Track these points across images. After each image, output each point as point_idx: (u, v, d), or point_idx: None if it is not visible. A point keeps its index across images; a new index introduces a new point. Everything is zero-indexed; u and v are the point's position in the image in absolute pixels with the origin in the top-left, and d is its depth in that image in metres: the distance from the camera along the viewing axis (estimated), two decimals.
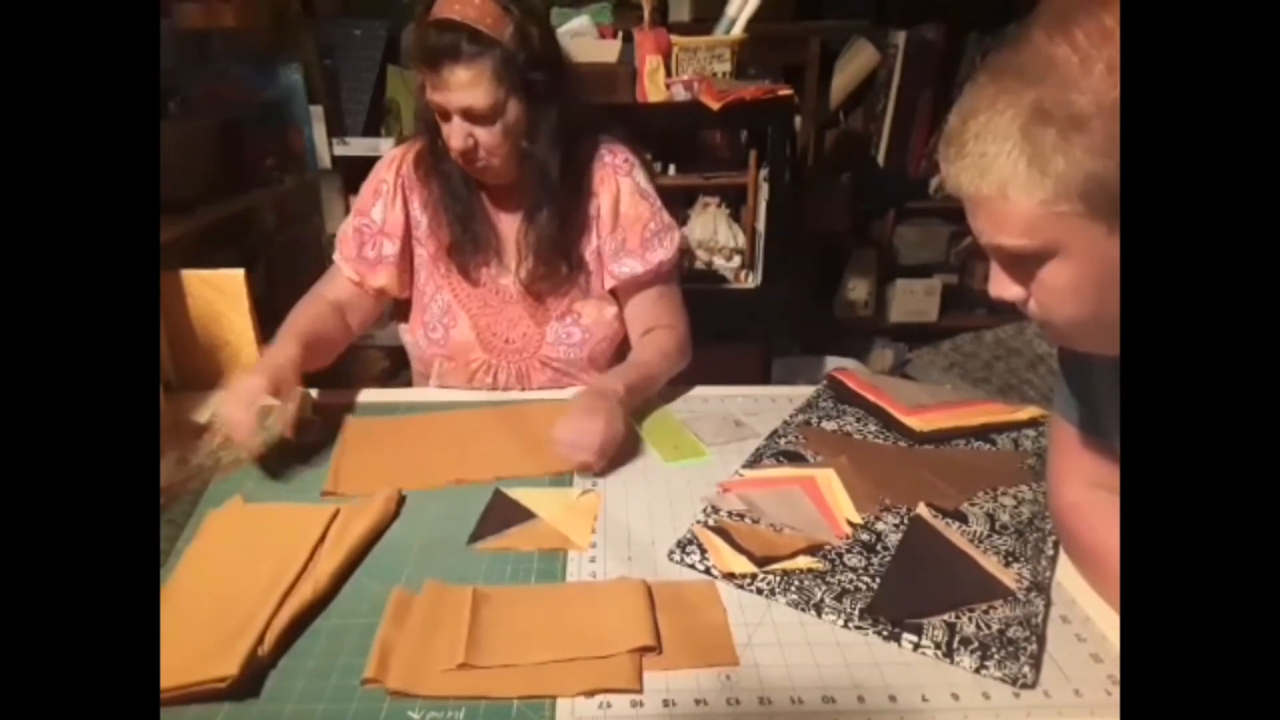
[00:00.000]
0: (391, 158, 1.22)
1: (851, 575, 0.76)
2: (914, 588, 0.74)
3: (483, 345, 1.20)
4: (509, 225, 1.19)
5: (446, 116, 1.06)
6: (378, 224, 1.19)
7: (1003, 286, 0.64)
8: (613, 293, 1.21)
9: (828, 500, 0.87)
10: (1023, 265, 0.61)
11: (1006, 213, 0.57)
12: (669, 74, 1.86)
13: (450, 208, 1.16)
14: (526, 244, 1.16)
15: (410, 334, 1.24)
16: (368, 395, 1.17)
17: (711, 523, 0.84)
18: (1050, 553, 0.80)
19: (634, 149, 1.21)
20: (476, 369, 1.21)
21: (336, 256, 1.22)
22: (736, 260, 2.08)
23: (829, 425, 1.07)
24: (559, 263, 1.16)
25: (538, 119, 1.09)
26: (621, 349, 1.25)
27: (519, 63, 1.03)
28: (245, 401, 0.91)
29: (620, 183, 1.17)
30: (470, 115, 1.05)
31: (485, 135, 1.06)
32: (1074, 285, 0.58)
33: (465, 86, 1.02)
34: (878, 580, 0.75)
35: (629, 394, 1.06)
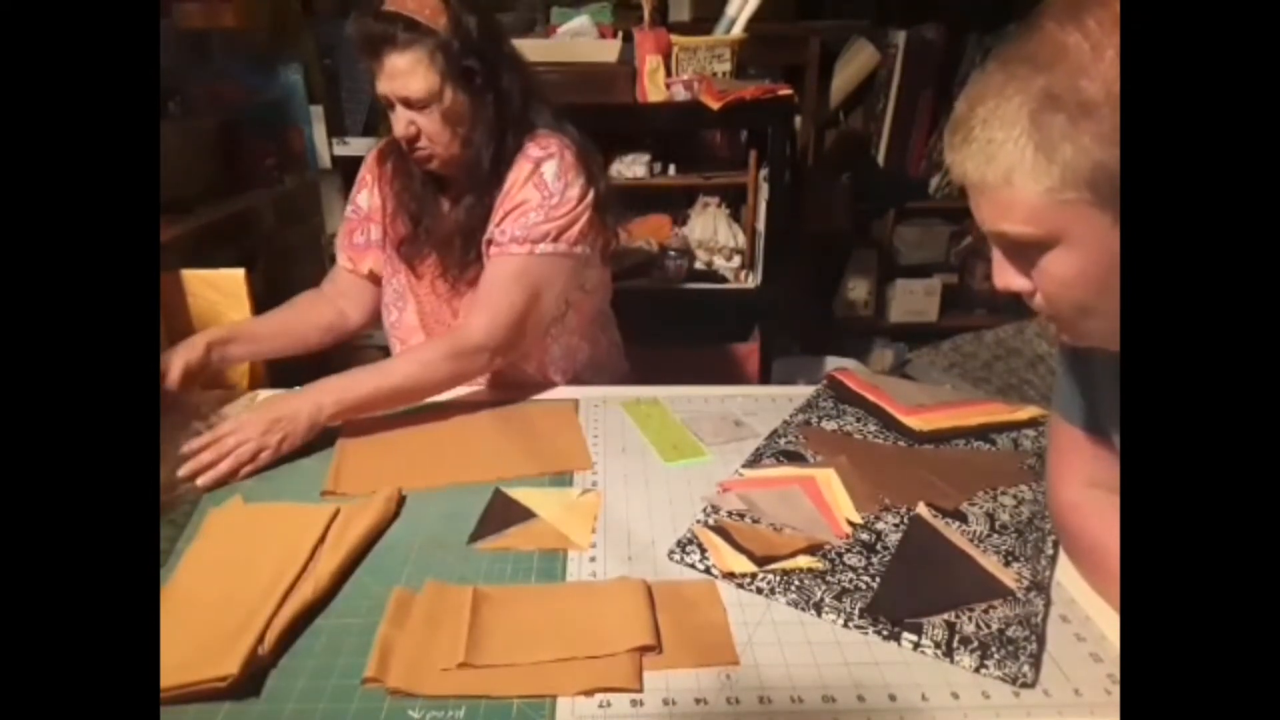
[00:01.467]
0: (375, 147, 1.26)
1: (851, 575, 0.76)
2: (914, 587, 0.74)
3: (426, 330, 1.22)
4: (445, 212, 1.21)
5: (391, 105, 1.09)
6: (364, 210, 1.25)
7: (1008, 277, 0.63)
8: None
9: (828, 500, 0.87)
10: (1026, 254, 0.60)
11: (1011, 200, 0.57)
12: (669, 74, 1.86)
13: (406, 203, 1.20)
14: (444, 232, 1.17)
15: (383, 314, 1.29)
16: None
17: (711, 522, 0.84)
18: (1050, 552, 0.80)
19: (571, 143, 1.14)
20: None
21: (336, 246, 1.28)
22: (736, 260, 2.08)
23: (829, 425, 1.07)
24: (470, 253, 1.15)
25: (476, 108, 1.10)
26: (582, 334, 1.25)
27: (454, 51, 1.05)
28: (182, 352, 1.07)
29: (525, 169, 1.11)
30: (409, 103, 1.07)
31: (425, 123, 1.09)
32: (1079, 275, 0.58)
33: (402, 74, 1.05)
34: (878, 580, 0.75)
35: (339, 409, 1.01)
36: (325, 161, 2.20)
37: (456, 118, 1.09)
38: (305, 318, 1.25)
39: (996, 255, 0.63)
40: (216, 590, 0.73)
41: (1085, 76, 0.52)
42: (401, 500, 0.89)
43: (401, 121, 1.08)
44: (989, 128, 0.56)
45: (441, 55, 1.05)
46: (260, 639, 0.66)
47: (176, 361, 1.08)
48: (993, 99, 0.56)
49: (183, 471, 0.91)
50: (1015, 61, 0.55)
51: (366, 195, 1.25)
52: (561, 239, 1.11)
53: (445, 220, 1.17)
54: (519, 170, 1.12)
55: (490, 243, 1.12)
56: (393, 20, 1.03)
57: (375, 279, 1.26)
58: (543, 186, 1.10)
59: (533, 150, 1.12)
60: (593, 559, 0.80)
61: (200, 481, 0.91)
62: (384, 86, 1.07)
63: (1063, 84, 0.53)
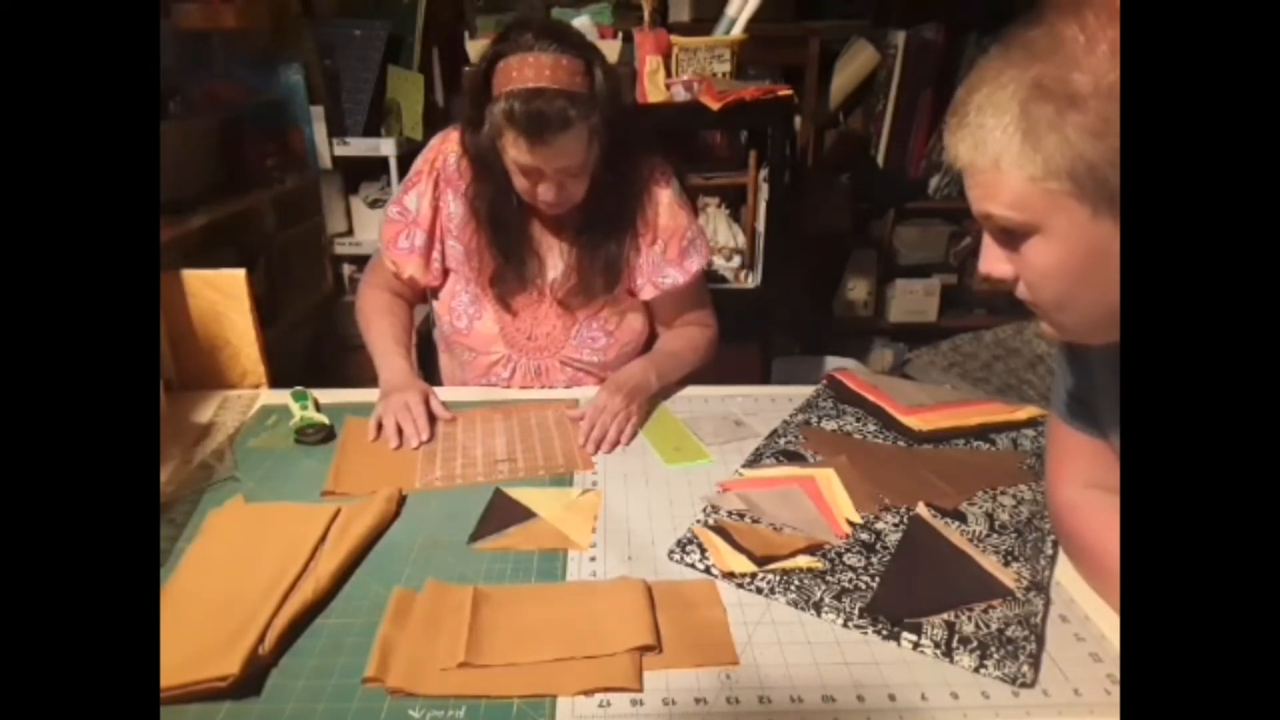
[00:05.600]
0: (433, 148, 1.21)
1: (851, 574, 0.76)
2: (913, 587, 0.74)
3: (505, 340, 1.21)
4: (552, 242, 1.20)
5: (536, 175, 1.06)
6: (412, 213, 1.20)
7: (993, 262, 0.65)
8: (647, 300, 1.22)
9: (827, 500, 0.87)
10: (1012, 241, 0.62)
11: (998, 183, 0.59)
12: (669, 74, 1.86)
13: (494, 240, 1.17)
14: (569, 259, 1.18)
15: (438, 314, 1.26)
16: (368, 395, 1.17)
17: (711, 522, 0.84)
18: (1049, 552, 0.80)
19: (665, 157, 1.22)
20: (495, 361, 1.22)
21: (379, 244, 1.24)
22: (736, 260, 2.08)
23: (829, 425, 1.07)
24: (598, 276, 1.17)
25: (605, 147, 1.09)
26: (644, 352, 1.26)
27: (602, 113, 1.04)
28: (419, 406, 1.05)
29: (660, 195, 1.19)
30: (566, 171, 1.06)
31: (575, 184, 1.08)
32: (1058, 265, 0.59)
33: (568, 152, 1.03)
34: (877, 579, 0.75)
35: (660, 381, 1.15)
36: (325, 161, 2.19)
37: (594, 168, 1.09)
38: (408, 320, 1.27)
39: (985, 241, 0.65)
40: (216, 590, 0.73)
41: (1077, 69, 0.53)
42: (401, 500, 0.89)
43: (552, 188, 1.07)
44: (983, 114, 0.58)
45: (599, 122, 1.04)
46: (260, 639, 0.66)
47: (433, 402, 1.08)
48: (988, 85, 0.58)
49: (589, 449, 1.02)
50: (1014, 48, 0.57)
51: (416, 198, 1.19)
52: (708, 244, 1.25)
53: (569, 247, 1.18)
54: (650, 194, 1.19)
55: (686, 281, 1.20)
56: (557, 98, 0.99)
57: (413, 283, 1.23)
58: (683, 205, 1.22)
59: (650, 172, 1.19)
60: (593, 559, 0.80)
61: (603, 451, 1.02)
62: (541, 162, 1.03)
63: (1054, 75, 0.54)
